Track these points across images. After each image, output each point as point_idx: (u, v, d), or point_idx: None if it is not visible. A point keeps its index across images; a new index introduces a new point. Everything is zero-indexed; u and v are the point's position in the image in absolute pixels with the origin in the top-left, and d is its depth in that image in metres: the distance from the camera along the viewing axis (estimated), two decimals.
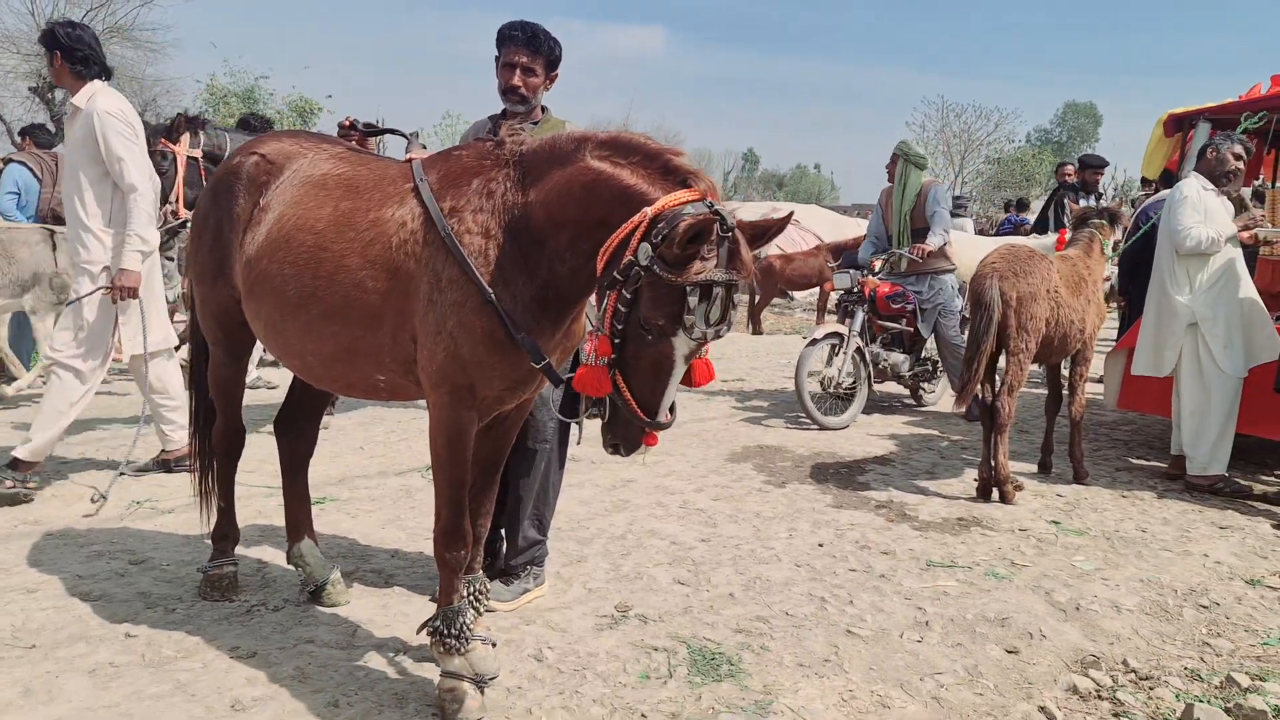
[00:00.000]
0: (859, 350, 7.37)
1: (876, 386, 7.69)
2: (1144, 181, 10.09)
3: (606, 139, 2.59)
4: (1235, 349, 5.52)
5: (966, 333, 5.59)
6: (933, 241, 7.41)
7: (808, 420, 7.25)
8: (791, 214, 2.50)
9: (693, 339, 2.35)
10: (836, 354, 7.35)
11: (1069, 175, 10.97)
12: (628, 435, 2.49)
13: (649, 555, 4.31)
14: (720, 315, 2.34)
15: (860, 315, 7.51)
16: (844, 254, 7.99)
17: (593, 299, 2.64)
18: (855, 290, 7.58)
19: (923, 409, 8.23)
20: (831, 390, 7.29)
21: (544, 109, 3.72)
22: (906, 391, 8.45)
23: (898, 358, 7.75)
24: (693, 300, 2.29)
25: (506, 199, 2.70)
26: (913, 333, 7.78)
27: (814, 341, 7.33)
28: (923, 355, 8.06)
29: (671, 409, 2.49)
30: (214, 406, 3.69)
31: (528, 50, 3.55)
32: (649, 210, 2.36)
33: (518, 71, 3.55)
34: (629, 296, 2.36)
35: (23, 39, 27.07)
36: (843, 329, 7.40)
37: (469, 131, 3.83)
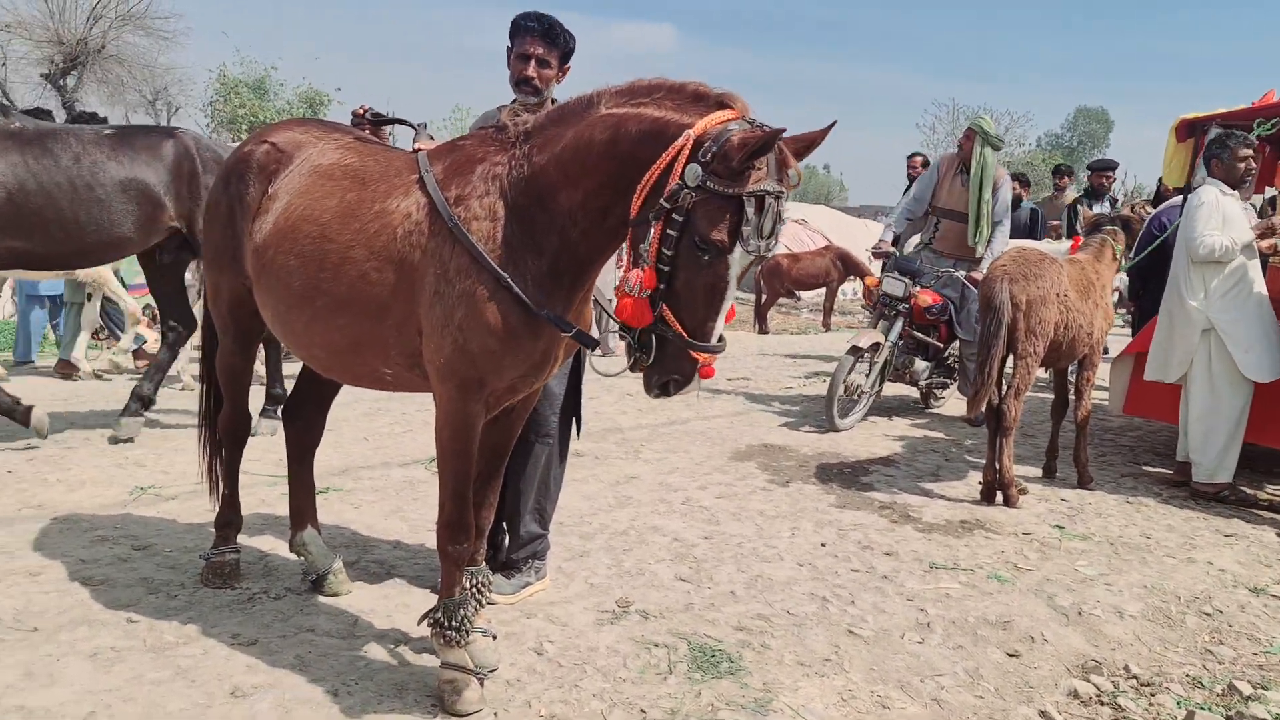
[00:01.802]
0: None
1: (884, 388, 7.62)
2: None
3: (623, 87, 2.60)
4: (1257, 354, 5.47)
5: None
6: (984, 267, 6.96)
7: (812, 421, 7.20)
8: (834, 123, 2.47)
9: (748, 252, 2.34)
10: (861, 360, 7.22)
11: (914, 168, 10.33)
12: (680, 368, 2.44)
13: (651, 551, 4.30)
14: (771, 227, 2.35)
15: (900, 325, 7.32)
16: (896, 258, 7.68)
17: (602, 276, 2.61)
18: (904, 299, 7.29)
19: (928, 412, 8.21)
20: (854, 396, 7.22)
21: (554, 102, 3.71)
22: (913, 393, 8.40)
23: (920, 365, 7.62)
24: (749, 211, 2.30)
25: (512, 178, 2.69)
26: (942, 339, 7.64)
27: (856, 349, 7.12)
28: (947, 361, 7.91)
29: (720, 337, 2.47)
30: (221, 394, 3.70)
31: (544, 42, 3.53)
32: (691, 133, 2.35)
33: (532, 63, 3.53)
34: (679, 220, 2.34)
35: (36, 25, 27.14)
36: (881, 338, 7.23)
37: (478, 122, 3.81)
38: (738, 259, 2.36)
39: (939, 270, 7.46)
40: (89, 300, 8.12)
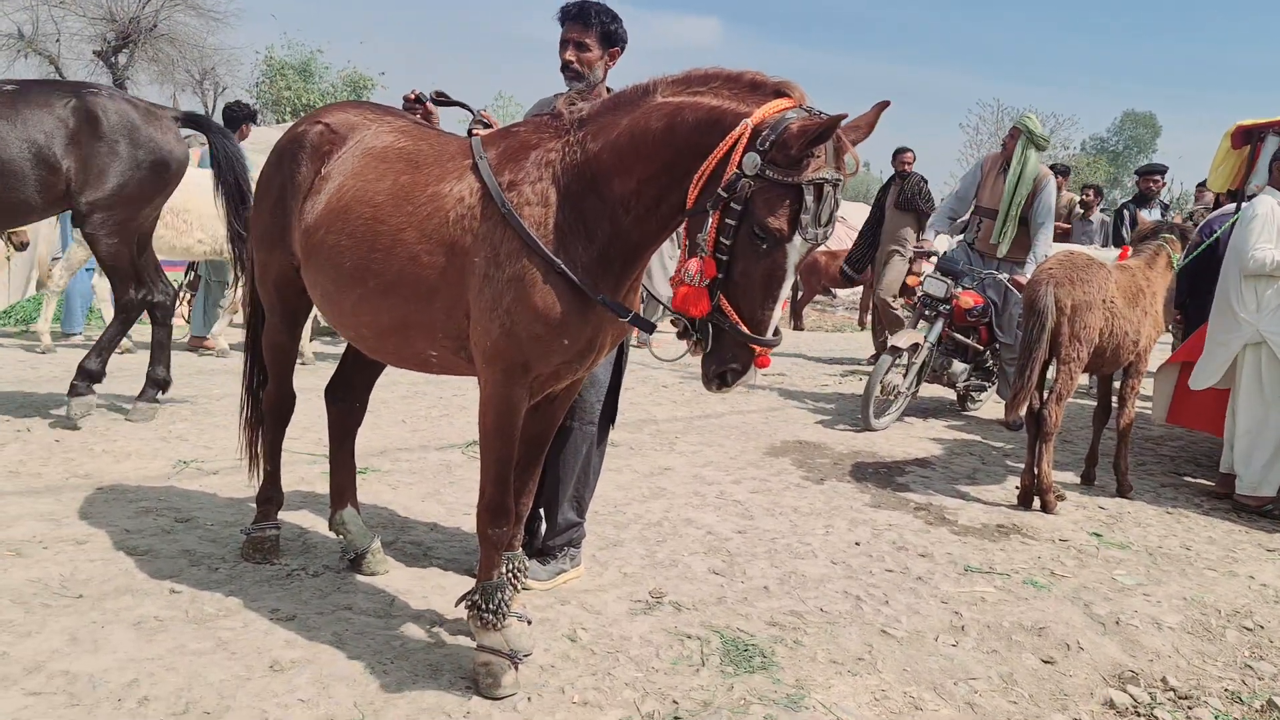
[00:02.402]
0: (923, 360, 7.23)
1: (921, 389, 7.58)
2: (1200, 191, 9.72)
3: (679, 76, 2.60)
4: None
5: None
6: (1029, 270, 6.98)
7: (848, 419, 7.16)
8: (887, 103, 2.46)
9: (806, 240, 2.35)
10: (899, 361, 7.17)
11: (907, 164, 9.92)
12: (738, 357, 2.46)
13: (685, 544, 4.31)
14: (829, 215, 2.36)
15: (940, 326, 7.25)
16: (942, 257, 7.63)
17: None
18: (946, 299, 7.21)
19: (965, 414, 8.13)
20: (890, 396, 7.18)
21: (609, 90, 3.70)
22: (950, 394, 8.32)
23: (958, 367, 7.54)
24: (809, 199, 2.31)
25: (566, 164, 2.70)
26: (982, 342, 7.56)
27: (896, 350, 7.07)
28: (985, 365, 7.81)
29: (776, 330, 2.49)
30: (265, 371, 3.75)
31: (578, 25, 3.54)
32: (749, 122, 2.36)
33: (570, 47, 3.55)
34: (737, 209, 2.35)
35: (90, 2, 27.56)
36: (920, 338, 7.18)
37: (533, 109, 3.82)
38: (796, 247, 2.36)
39: (982, 272, 7.38)
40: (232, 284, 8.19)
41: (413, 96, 3.77)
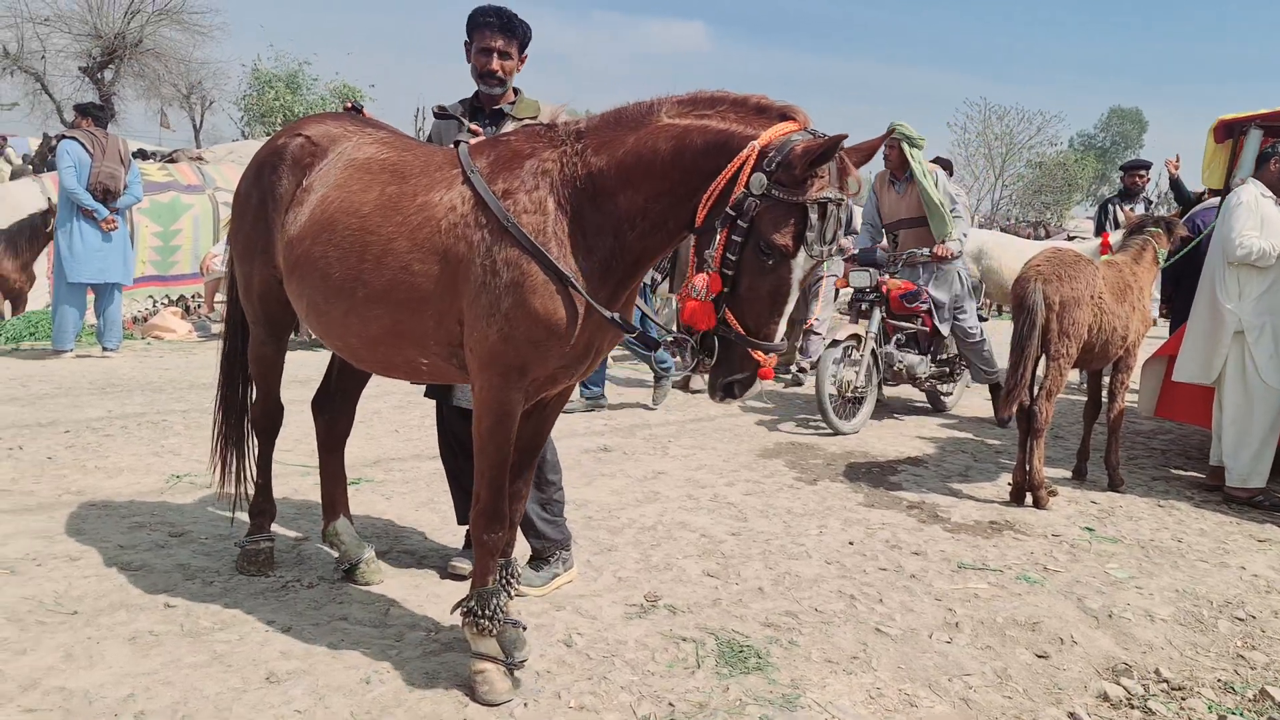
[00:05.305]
0: (873, 352, 7.19)
1: (896, 388, 7.53)
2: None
3: (684, 98, 2.66)
4: None
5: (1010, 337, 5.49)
6: (952, 247, 7.08)
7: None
8: (891, 131, 2.56)
9: (811, 256, 2.43)
10: (849, 356, 7.15)
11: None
12: (744, 368, 2.52)
13: (679, 547, 4.32)
14: (832, 233, 2.44)
15: (878, 315, 7.27)
16: (860, 250, 7.70)
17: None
18: (873, 289, 7.28)
19: (954, 412, 8.14)
20: (849, 395, 7.10)
21: (516, 90, 3.76)
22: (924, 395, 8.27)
23: (913, 359, 7.49)
24: (814, 217, 2.39)
25: (564, 175, 2.73)
26: (930, 333, 7.53)
27: (834, 343, 7.11)
28: (941, 356, 7.79)
29: (782, 337, 2.56)
30: (242, 384, 3.80)
31: (503, 35, 3.59)
32: (756, 144, 2.43)
33: (495, 56, 3.60)
34: (744, 227, 2.42)
35: (75, 19, 27.53)
36: (861, 330, 7.20)
37: (454, 107, 3.81)
38: (800, 263, 2.43)
39: (903, 255, 7.34)
40: None
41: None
